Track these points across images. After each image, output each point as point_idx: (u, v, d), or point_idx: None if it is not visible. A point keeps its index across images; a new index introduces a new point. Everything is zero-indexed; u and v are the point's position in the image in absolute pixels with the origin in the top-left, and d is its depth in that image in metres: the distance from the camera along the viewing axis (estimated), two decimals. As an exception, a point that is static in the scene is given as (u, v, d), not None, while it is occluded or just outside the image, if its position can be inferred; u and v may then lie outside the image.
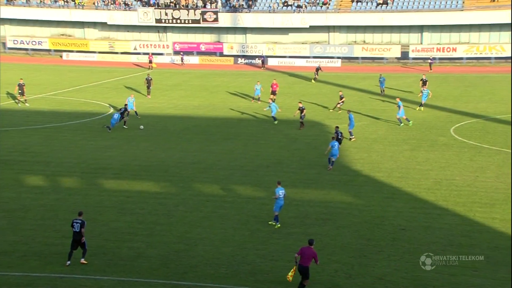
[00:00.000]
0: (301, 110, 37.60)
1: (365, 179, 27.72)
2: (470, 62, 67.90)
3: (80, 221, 18.68)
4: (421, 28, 71.51)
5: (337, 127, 31.90)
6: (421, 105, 41.54)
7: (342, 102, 41.75)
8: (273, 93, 45.53)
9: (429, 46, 69.73)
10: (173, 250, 19.98)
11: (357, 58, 71.86)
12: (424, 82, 45.34)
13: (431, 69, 63.33)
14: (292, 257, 18.29)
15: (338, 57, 71.35)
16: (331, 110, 41.45)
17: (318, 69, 58.36)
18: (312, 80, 56.86)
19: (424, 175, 27.94)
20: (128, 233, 19.87)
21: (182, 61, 72.25)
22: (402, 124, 37.36)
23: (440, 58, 68.84)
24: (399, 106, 37.68)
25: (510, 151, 31.13)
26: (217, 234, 21.36)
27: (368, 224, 22.12)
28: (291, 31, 74.33)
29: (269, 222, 21.97)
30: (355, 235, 20.94)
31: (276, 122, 38.43)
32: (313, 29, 73.32)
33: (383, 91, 48.78)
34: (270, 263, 19.03)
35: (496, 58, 67.26)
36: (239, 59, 73.49)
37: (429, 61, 64.37)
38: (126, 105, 39.38)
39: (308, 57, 72.23)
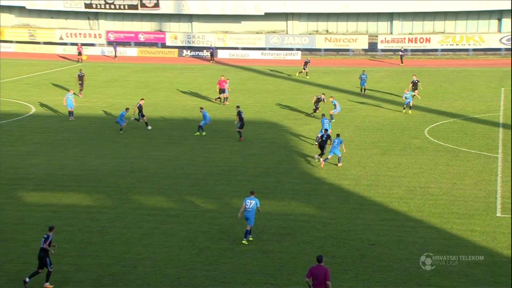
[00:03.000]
0: (239, 114, 35.37)
1: (329, 188, 28.07)
2: (446, 54, 69.78)
3: (45, 236, 19.04)
4: (390, 16, 73.07)
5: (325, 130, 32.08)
6: (410, 107, 41.21)
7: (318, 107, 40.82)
8: (222, 91, 45.36)
9: (400, 37, 71.36)
10: (107, 273, 19.73)
11: (319, 50, 72.83)
12: (415, 84, 44.75)
13: (402, 63, 64.72)
14: (246, 279, 18.30)
15: (298, 49, 72.14)
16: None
17: (307, 62, 58.32)
18: (297, 74, 57.03)
19: (396, 182, 28.52)
20: (54, 254, 19.49)
21: (115, 54, 71.31)
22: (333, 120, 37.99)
23: (413, 50, 70.56)
24: (334, 105, 38.66)
25: (499, 154, 32.15)
26: (159, 254, 21.22)
27: (333, 239, 22.37)
28: (244, 19, 74.75)
29: (243, 241, 21.86)
30: (319, 252, 21.12)
31: (201, 133, 36.30)
32: (269, 17, 73.95)
33: (364, 90, 48.68)
34: (221, 286, 19.03)
35: (474, 50, 69.35)
36: (184, 51, 73.33)
37: (400, 53, 65.67)
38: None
39: (264, 49, 72.74)
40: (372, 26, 73.85)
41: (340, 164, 30.60)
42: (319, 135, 33.05)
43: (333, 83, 54.59)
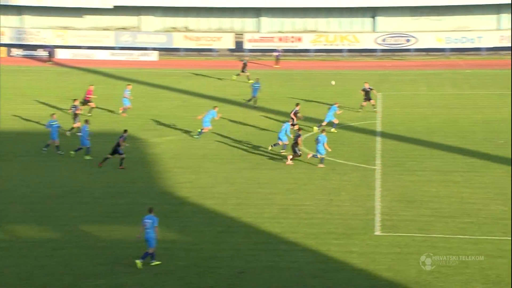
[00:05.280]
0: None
1: (193, 208, 28.06)
2: (319, 55, 72.30)
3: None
4: (258, 12, 74.69)
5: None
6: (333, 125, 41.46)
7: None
8: (85, 102, 43.89)
9: (269, 35, 73.06)
10: None
11: (178, 49, 72.84)
12: (367, 93, 45.03)
13: (277, 64, 66.01)
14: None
15: (154, 49, 71.69)
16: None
17: (245, 64, 57.48)
18: (235, 76, 56.27)
19: (268, 200, 29.05)
20: None
21: None
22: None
23: (283, 50, 72.25)
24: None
25: (377, 166, 33.69)
26: (-13, 297, 20.14)
27: (197, 268, 22.36)
28: (88, 13, 73.19)
29: (151, 263, 21.74)
30: (180, 284, 21.06)
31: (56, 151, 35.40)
32: (118, 10, 72.93)
33: (255, 101, 47.58)
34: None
35: (349, 50, 72.51)
36: (14, 49, 70.41)
37: (276, 53, 67.00)
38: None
39: (114, 48, 71.62)
40: (238, 23, 75.05)
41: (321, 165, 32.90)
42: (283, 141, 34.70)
43: (195, 88, 54.74)
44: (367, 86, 45.45)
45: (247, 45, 72.15)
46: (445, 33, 71.41)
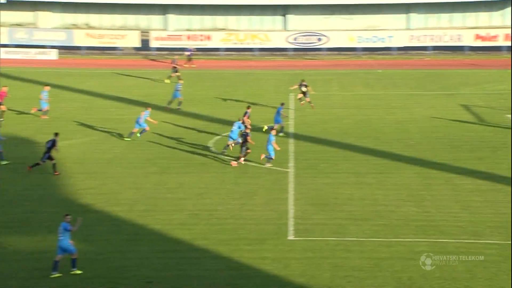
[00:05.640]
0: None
1: (97, 216, 27.65)
2: (229, 54, 72.63)
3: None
4: (164, 9, 74.37)
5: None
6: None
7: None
8: None
9: (176, 33, 72.85)
10: None
11: (79, 47, 71.60)
12: (304, 93, 45.57)
13: (189, 64, 65.80)
14: None
15: (53, 46, 70.23)
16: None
17: (175, 63, 56.18)
18: (167, 79, 55.06)
19: (177, 206, 28.95)
20: None
21: None
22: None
23: (196, 49, 71.81)
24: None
25: (290, 169, 34.11)
26: None
27: (102, 279, 22.09)
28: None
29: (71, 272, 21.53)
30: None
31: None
32: (12, 5, 71.19)
33: (179, 102, 46.59)
34: None
35: (260, 49, 73.14)
36: None
37: (187, 53, 66.76)
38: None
39: (7, 46, 69.66)
40: (143, 20, 74.47)
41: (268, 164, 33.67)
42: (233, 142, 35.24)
43: (99, 88, 53.99)
44: (303, 83, 46.28)
45: (153, 44, 71.73)
46: (357, 32, 73.09)
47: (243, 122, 36.48)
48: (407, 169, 34.00)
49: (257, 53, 72.81)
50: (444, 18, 76.50)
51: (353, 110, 46.93)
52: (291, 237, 25.67)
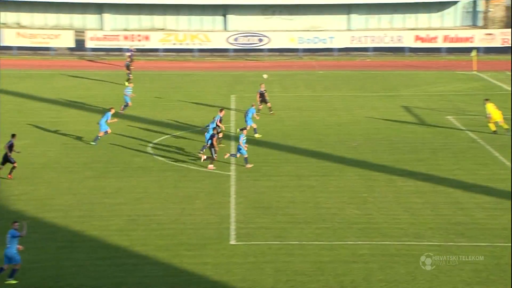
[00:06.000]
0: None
1: (31, 223, 27.00)
2: (168, 55, 72.20)
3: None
4: (100, 8, 73.55)
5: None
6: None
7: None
8: None
9: (113, 33, 72.07)
10: None
11: (10, 47, 70.14)
12: (262, 95, 44.94)
13: (130, 66, 65.14)
14: None
15: (-18, 46, 68.70)
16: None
17: (128, 64, 54.96)
18: (126, 82, 53.73)
19: (115, 211, 28.65)
20: None
21: None
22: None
23: (136, 50, 70.98)
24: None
25: (231, 172, 34.08)
26: None
27: (37, 289, 21.74)
28: None
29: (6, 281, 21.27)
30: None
31: None
32: None
33: (126, 106, 45.64)
34: None
35: (200, 50, 72.94)
36: None
37: (128, 53, 65.89)
38: None
39: None
40: (78, 20, 73.47)
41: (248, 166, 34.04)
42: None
43: (31, 90, 53.08)
44: (262, 88, 45.88)
45: (89, 44, 70.80)
46: (298, 33, 73.54)
47: (217, 130, 36.51)
48: (350, 171, 34.36)
49: (197, 53, 72.59)
50: (384, 19, 77.71)
51: (295, 112, 47.19)
52: (232, 241, 25.66)
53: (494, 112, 39.95)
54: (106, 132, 38.23)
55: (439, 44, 72.72)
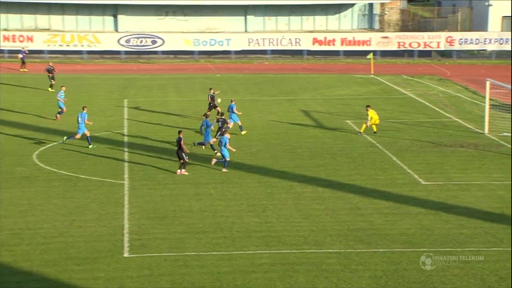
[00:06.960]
0: None
1: None
2: (54, 57, 70.61)
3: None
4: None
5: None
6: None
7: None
8: None
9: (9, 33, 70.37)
10: None
11: None
12: (213, 99, 44.84)
13: (23, 67, 63.72)
14: None
15: None
16: None
17: (50, 70, 52.60)
18: (49, 88, 51.34)
19: (-4, 225, 27.87)
20: None
21: None
22: None
23: (29, 51, 69.01)
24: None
25: (125, 181, 33.64)
26: None
27: None
28: None
29: None
30: None
31: None
32: None
33: (60, 113, 45.45)
34: None
35: (89, 52, 71.86)
36: None
37: (20, 55, 64.42)
38: None
39: None
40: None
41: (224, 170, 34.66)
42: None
43: None
44: (212, 92, 45.57)
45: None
46: (193, 35, 73.65)
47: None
48: (249, 178, 34.57)
49: (85, 56, 71.46)
50: (282, 21, 78.82)
51: (191, 117, 47.14)
52: (126, 254, 25.34)
53: (374, 116, 42.17)
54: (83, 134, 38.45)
55: (337, 47, 74.42)
